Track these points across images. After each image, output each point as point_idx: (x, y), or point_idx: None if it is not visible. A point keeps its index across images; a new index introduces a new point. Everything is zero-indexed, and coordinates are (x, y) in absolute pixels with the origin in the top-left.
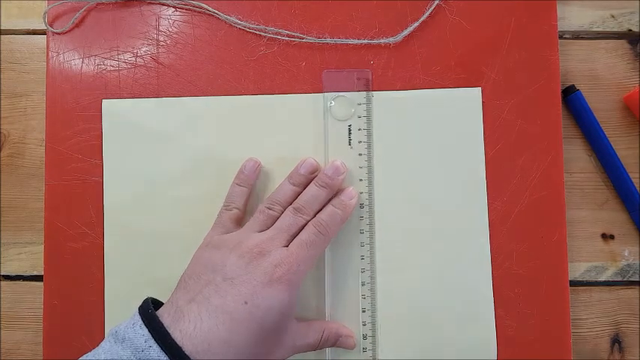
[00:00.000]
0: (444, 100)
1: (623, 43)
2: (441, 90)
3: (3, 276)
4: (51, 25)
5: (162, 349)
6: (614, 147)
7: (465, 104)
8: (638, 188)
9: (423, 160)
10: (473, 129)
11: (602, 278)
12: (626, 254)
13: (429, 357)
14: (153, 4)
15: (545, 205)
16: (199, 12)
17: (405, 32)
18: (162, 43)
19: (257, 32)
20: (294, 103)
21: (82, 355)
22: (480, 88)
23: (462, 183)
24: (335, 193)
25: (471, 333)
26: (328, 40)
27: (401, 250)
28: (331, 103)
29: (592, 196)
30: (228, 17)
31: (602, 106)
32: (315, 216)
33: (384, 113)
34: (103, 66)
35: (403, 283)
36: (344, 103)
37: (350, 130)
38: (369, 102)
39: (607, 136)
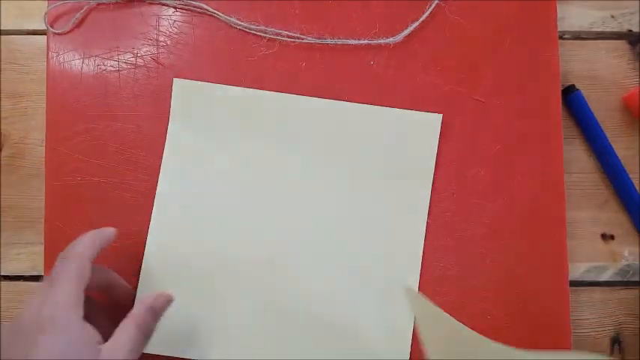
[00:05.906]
0: (402, 121)
1: (623, 44)
2: (400, 110)
3: (3, 276)
4: (51, 26)
5: None
6: (614, 147)
7: (423, 129)
8: (638, 188)
9: (365, 175)
10: (425, 155)
11: (603, 278)
12: (626, 254)
13: None
14: (153, 4)
15: (545, 205)
16: (199, 12)
17: (405, 32)
18: (162, 44)
19: (257, 33)
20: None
21: None
22: (441, 115)
23: (403, 209)
24: None
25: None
26: (328, 41)
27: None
28: None
29: (592, 196)
30: (229, 18)
31: (602, 106)
32: None
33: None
34: (103, 66)
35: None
36: None
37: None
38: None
39: (607, 136)
